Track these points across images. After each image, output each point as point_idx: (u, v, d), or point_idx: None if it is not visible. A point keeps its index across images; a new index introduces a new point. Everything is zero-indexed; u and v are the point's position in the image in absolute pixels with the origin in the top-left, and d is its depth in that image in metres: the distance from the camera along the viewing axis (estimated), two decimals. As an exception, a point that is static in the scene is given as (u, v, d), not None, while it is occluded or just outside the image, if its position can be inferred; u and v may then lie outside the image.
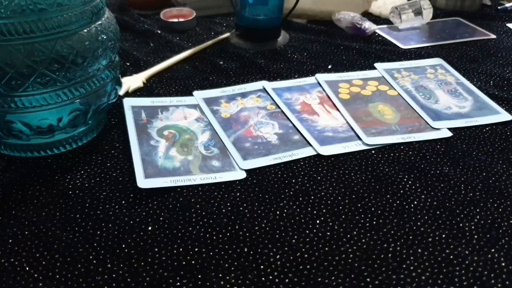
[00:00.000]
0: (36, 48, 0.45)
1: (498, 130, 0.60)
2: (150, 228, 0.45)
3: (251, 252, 0.43)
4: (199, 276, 0.40)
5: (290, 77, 0.70)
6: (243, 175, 0.51)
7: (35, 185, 0.50)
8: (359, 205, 0.48)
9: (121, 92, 0.64)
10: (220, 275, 0.41)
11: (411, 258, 0.42)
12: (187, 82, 0.69)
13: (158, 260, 0.42)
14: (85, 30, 0.49)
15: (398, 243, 0.44)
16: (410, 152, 0.55)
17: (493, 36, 0.85)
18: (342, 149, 0.55)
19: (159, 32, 0.84)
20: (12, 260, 0.41)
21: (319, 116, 0.61)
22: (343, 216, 0.47)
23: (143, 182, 0.49)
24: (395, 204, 0.48)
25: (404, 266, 0.42)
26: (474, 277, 0.41)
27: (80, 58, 0.48)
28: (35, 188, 0.49)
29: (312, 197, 0.49)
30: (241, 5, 0.79)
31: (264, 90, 0.67)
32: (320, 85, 0.68)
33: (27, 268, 0.41)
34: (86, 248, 0.43)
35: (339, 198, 0.49)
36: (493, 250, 0.43)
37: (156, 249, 0.43)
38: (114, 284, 0.40)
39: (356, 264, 0.42)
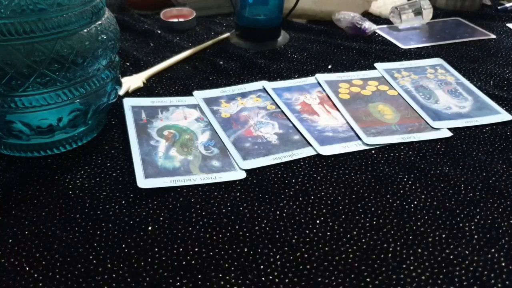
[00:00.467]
0: (36, 48, 0.45)
1: (498, 130, 0.60)
2: (150, 228, 0.45)
3: (251, 252, 0.43)
4: (199, 276, 0.40)
5: (290, 77, 0.70)
6: (243, 175, 0.51)
7: (35, 185, 0.50)
8: (359, 205, 0.48)
9: (121, 92, 0.64)
10: (220, 275, 0.41)
11: (411, 258, 0.42)
12: (187, 82, 0.69)
13: (158, 260, 0.42)
14: (85, 30, 0.49)
15: (398, 243, 0.44)
16: (410, 152, 0.55)
17: (493, 36, 0.85)
18: (342, 149, 0.55)
19: (159, 32, 0.84)
20: (12, 260, 0.41)
21: (319, 116, 0.61)
22: (343, 216, 0.47)
23: (143, 182, 0.49)
24: (395, 204, 0.48)
25: (404, 266, 0.42)
26: (474, 277, 0.41)
27: (80, 58, 0.48)
28: (35, 188, 0.49)
29: (312, 197, 0.49)
30: (241, 5, 0.79)
31: (264, 90, 0.67)
32: (320, 85, 0.68)
33: (27, 268, 0.41)
34: (86, 248, 0.43)
35: (339, 198, 0.49)
36: (493, 250, 0.43)
37: (156, 249, 0.43)
38: (114, 284, 0.40)
39: (356, 264, 0.42)
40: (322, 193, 0.49)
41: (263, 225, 0.45)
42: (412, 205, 0.48)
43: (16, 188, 0.49)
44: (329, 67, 0.74)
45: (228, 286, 0.40)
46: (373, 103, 0.64)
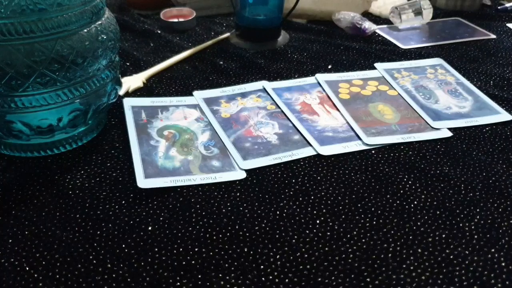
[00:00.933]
0: (36, 48, 0.45)
1: (498, 130, 0.60)
2: (150, 228, 0.45)
3: (251, 252, 0.43)
4: (199, 276, 0.40)
5: (290, 77, 0.70)
6: (243, 175, 0.51)
7: (35, 185, 0.50)
8: (359, 205, 0.48)
9: (121, 92, 0.64)
10: (220, 275, 0.41)
11: (411, 258, 0.42)
12: (187, 82, 0.69)
13: (158, 260, 0.42)
14: (85, 30, 0.49)
15: (398, 243, 0.44)
16: (410, 152, 0.55)
17: (493, 36, 0.85)
18: (342, 149, 0.55)
19: (159, 32, 0.84)
20: (12, 260, 0.41)
21: (319, 116, 0.61)
22: (343, 216, 0.47)
23: (143, 182, 0.49)
24: (395, 204, 0.48)
25: (404, 266, 0.42)
26: (474, 277, 0.41)
27: (80, 58, 0.48)
28: (35, 188, 0.49)
29: (312, 197, 0.49)
30: (241, 5, 0.79)
31: (264, 90, 0.67)
32: (320, 85, 0.68)
33: (27, 268, 0.41)
34: (86, 248, 0.43)
35: (339, 198, 0.49)
36: (493, 250, 0.43)
37: (156, 249, 0.43)
38: (114, 284, 0.40)
39: (356, 264, 0.42)
40: (322, 193, 0.49)
41: (263, 225, 0.45)
42: (412, 205, 0.48)
43: (16, 188, 0.49)
44: (329, 67, 0.74)
45: (228, 286, 0.40)
46: (373, 103, 0.64)
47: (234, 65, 0.74)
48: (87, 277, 0.40)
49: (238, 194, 0.49)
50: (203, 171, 0.52)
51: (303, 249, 0.43)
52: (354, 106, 0.63)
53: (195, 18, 0.88)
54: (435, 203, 0.48)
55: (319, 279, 0.40)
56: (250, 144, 0.56)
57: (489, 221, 0.46)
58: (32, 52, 0.45)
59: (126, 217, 0.46)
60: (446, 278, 0.41)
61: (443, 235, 0.45)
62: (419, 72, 0.72)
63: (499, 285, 0.40)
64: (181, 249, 0.43)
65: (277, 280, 0.40)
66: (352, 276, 0.41)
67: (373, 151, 0.55)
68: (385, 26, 0.88)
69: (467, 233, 0.45)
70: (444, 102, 0.65)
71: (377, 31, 0.86)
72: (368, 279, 0.40)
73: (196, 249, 0.43)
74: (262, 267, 0.41)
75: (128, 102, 0.62)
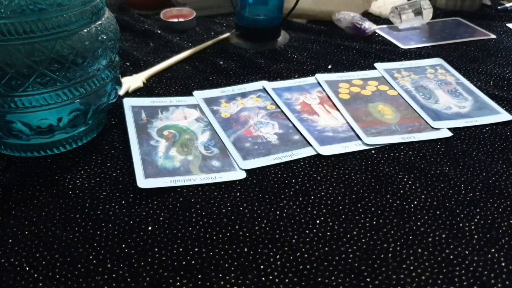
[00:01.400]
0: (36, 48, 0.45)
1: (498, 130, 0.60)
2: (150, 228, 0.45)
3: (251, 252, 0.43)
4: (199, 276, 0.40)
5: (290, 77, 0.70)
6: (243, 175, 0.51)
7: (35, 185, 0.50)
8: (359, 205, 0.48)
9: (121, 92, 0.64)
10: (220, 275, 0.41)
11: (411, 258, 0.42)
12: (187, 82, 0.69)
13: (158, 260, 0.42)
14: (85, 30, 0.49)
15: (398, 243, 0.44)
16: (410, 152, 0.55)
17: (493, 36, 0.85)
18: (342, 149, 0.55)
19: (159, 32, 0.84)
20: (12, 260, 0.41)
21: (319, 116, 0.61)
22: (343, 216, 0.47)
23: (143, 182, 0.49)
24: (395, 204, 0.48)
25: (404, 266, 0.42)
26: (474, 277, 0.41)
27: (80, 58, 0.48)
28: (35, 188, 0.49)
29: (312, 197, 0.49)
30: (241, 5, 0.79)
31: (264, 90, 0.67)
32: (320, 85, 0.68)
33: (27, 268, 0.41)
34: (86, 248, 0.43)
35: (339, 198, 0.49)
36: (493, 250, 0.43)
37: (156, 249, 0.43)
38: (114, 284, 0.40)
39: (356, 264, 0.42)
40: (322, 193, 0.49)
41: (263, 225, 0.45)
42: (412, 205, 0.48)
43: (16, 188, 0.49)
44: (329, 67, 0.74)
45: (228, 286, 0.40)
46: (373, 103, 0.64)
47: (234, 65, 0.74)
48: (87, 277, 0.40)
49: (238, 194, 0.49)
50: (203, 171, 0.52)
51: (303, 249, 0.43)
52: (354, 106, 0.63)
53: (195, 18, 0.88)
54: (435, 203, 0.48)
55: (319, 279, 0.40)
56: (250, 144, 0.56)
57: (489, 221, 0.46)
58: (32, 52, 0.45)
59: (126, 217, 0.46)
60: (446, 278, 0.41)
61: (443, 235, 0.45)
62: (419, 72, 0.72)
63: (499, 285, 0.40)
64: (181, 249, 0.43)
65: (277, 280, 0.40)
66: (352, 276, 0.41)
67: (373, 151, 0.55)
68: (385, 26, 0.88)
69: (467, 233, 0.45)
70: (444, 102, 0.65)
71: (377, 31, 0.86)
72: (368, 279, 0.40)
73: (196, 249, 0.43)
74: (262, 267, 0.41)
75: (128, 102, 0.62)
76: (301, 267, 0.41)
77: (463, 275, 0.41)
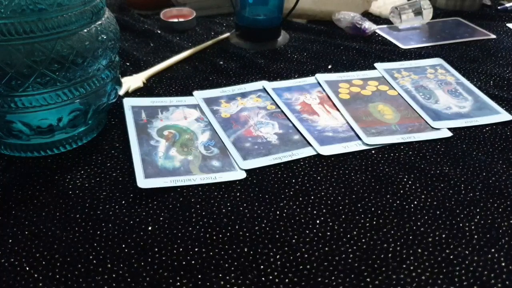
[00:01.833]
0: (36, 48, 0.45)
1: (498, 130, 0.60)
2: (150, 228, 0.45)
3: (251, 252, 0.43)
4: (199, 276, 0.40)
5: (290, 77, 0.70)
6: (243, 175, 0.51)
7: (35, 185, 0.50)
8: (359, 205, 0.48)
9: (121, 92, 0.64)
10: (220, 275, 0.41)
11: (411, 258, 0.42)
12: (187, 82, 0.69)
13: (158, 260, 0.42)
14: (85, 30, 0.49)
15: (398, 243, 0.44)
16: (410, 152, 0.55)
17: (493, 36, 0.85)
18: (342, 149, 0.55)
19: (159, 32, 0.84)
20: (12, 260, 0.41)
21: (319, 116, 0.61)
22: (343, 216, 0.47)
23: (143, 182, 0.49)
24: (395, 204, 0.48)
25: (404, 266, 0.42)
26: (474, 277, 0.41)
27: (80, 58, 0.48)
28: (35, 188, 0.49)
29: (312, 197, 0.49)
30: (241, 5, 0.79)
31: (264, 90, 0.67)
32: (320, 85, 0.68)
33: (27, 268, 0.41)
34: (86, 248, 0.43)
35: (339, 198, 0.49)
36: (493, 250, 0.43)
37: (156, 249, 0.43)
38: (114, 284, 0.40)
39: (356, 264, 0.42)
40: (322, 193, 0.49)
41: (263, 225, 0.45)
42: (412, 205, 0.48)
43: (16, 188, 0.49)
44: (329, 67, 0.74)
45: (228, 286, 0.40)
46: (373, 103, 0.64)
47: (234, 65, 0.74)
48: (87, 277, 0.40)
49: (238, 194, 0.49)
50: (203, 171, 0.52)
51: (303, 249, 0.43)
52: (354, 106, 0.63)
53: (195, 18, 0.88)
54: (435, 203, 0.48)
55: (319, 279, 0.40)
56: (250, 144, 0.56)
57: (489, 221, 0.46)
58: (32, 52, 0.45)
59: (126, 217, 0.46)
60: (446, 278, 0.41)
61: (443, 235, 0.45)
62: (419, 72, 0.72)
63: (499, 285, 0.40)
64: (181, 249, 0.43)
65: (277, 280, 0.40)
66: (352, 276, 0.41)
67: (373, 151, 0.55)
68: (385, 26, 0.88)
69: (467, 233, 0.45)
70: (444, 102, 0.65)
71: (377, 31, 0.86)
72: (368, 279, 0.40)
73: (196, 249, 0.43)
74: (262, 267, 0.41)
75: (128, 102, 0.62)
76: (301, 267, 0.41)
77: (463, 275, 0.41)
